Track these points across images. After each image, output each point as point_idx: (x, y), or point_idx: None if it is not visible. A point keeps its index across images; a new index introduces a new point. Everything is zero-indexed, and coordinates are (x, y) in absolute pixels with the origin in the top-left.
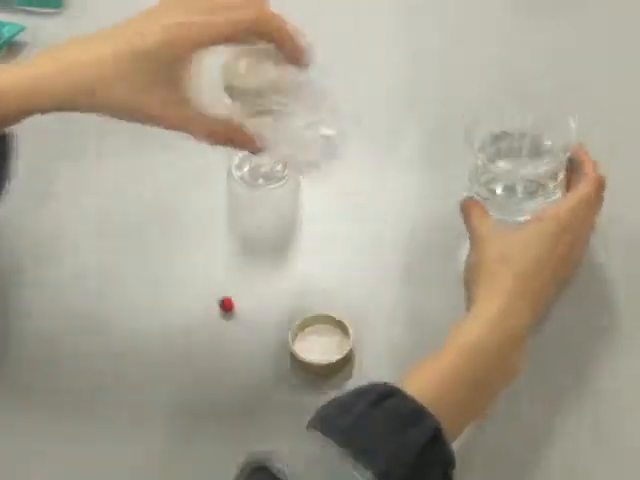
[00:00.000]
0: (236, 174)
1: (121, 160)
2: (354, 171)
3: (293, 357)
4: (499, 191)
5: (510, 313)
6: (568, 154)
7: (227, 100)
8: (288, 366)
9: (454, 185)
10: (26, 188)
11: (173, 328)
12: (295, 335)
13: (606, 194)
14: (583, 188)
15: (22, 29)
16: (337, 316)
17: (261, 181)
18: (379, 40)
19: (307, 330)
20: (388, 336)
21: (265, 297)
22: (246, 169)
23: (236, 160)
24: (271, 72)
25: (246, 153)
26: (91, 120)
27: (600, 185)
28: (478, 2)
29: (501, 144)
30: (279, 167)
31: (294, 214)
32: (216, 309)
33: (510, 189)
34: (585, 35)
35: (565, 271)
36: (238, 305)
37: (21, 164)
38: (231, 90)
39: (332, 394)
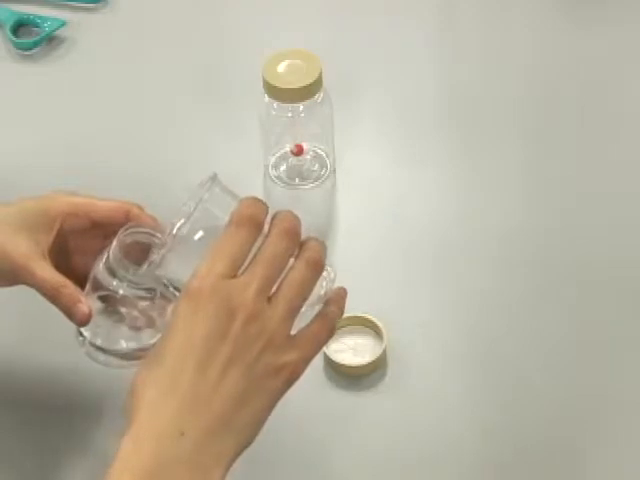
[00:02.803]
0: (272, 173)
1: None
2: (389, 172)
3: (326, 358)
4: None
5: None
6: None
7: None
8: (321, 367)
9: (489, 187)
10: None
11: None
12: None
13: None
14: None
15: (63, 24)
16: (371, 317)
17: (297, 180)
18: (415, 53)
19: (340, 331)
20: (422, 338)
21: None
22: (283, 168)
23: (273, 159)
24: None
25: (283, 152)
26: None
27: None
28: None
29: None
30: (316, 167)
31: (330, 214)
32: None
33: None
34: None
35: None
36: None
37: None
38: None
39: (365, 395)
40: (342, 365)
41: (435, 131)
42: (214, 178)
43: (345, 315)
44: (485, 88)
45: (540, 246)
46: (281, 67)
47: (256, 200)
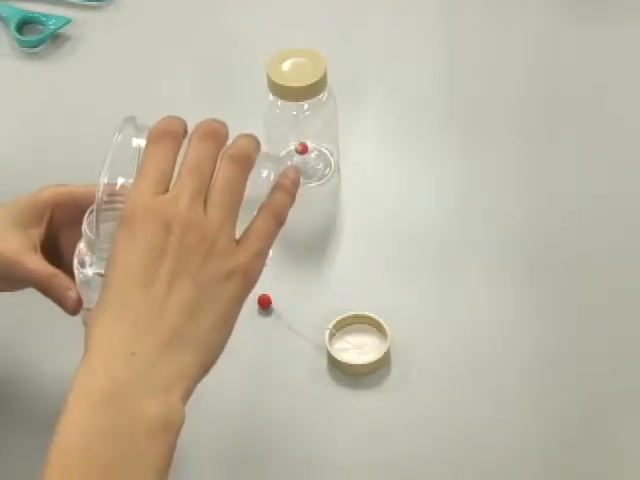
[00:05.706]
0: None
1: None
2: (393, 171)
3: (330, 357)
4: None
5: None
6: None
7: None
8: (325, 365)
9: (493, 185)
10: None
11: None
12: (332, 334)
13: None
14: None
15: (68, 22)
16: (375, 316)
17: (302, 179)
18: (417, 46)
19: (344, 330)
20: (425, 336)
21: (303, 296)
22: None
23: None
24: None
25: (287, 151)
26: None
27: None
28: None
29: None
30: (320, 165)
31: (334, 212)
32: (254, 306)
33: None
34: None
35: None
36: (276, 303)
37: None
38: None
39: (369, 394)
40: (346, 364)
41: (438, 130)
42: (128, 119)
43: (349, 314)
44: (486, 88)
45: (540, 246)
46: (286, 65)
47: (170, 116)
